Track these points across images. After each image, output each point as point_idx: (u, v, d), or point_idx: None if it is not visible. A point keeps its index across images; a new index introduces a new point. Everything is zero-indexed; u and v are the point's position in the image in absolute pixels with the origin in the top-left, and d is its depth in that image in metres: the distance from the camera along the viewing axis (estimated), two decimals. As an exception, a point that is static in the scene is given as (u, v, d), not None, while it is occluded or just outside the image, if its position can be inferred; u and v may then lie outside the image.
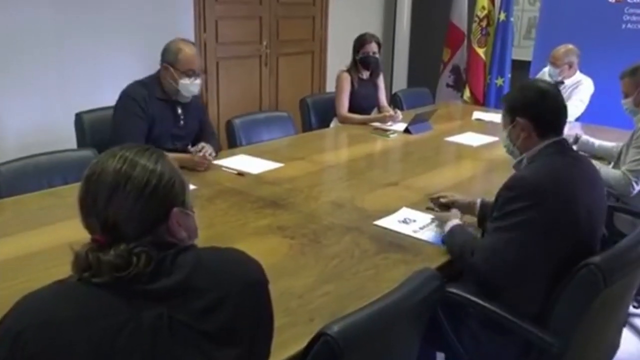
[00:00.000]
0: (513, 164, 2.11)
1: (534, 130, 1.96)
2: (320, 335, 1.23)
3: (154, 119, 2.87)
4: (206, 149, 2.89)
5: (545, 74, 4.39)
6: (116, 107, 2.90)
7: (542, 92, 1.97)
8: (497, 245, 1.84)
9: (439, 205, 2.32)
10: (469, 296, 1.87)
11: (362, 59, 4.10)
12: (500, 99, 2.22)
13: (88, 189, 1.10)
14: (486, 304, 1.85)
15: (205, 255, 1.15)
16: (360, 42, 4.09)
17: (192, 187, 2.57)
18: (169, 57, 2.86)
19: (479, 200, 2.26)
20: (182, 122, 2.99)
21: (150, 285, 1.06)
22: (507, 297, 1.84)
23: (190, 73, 2.85)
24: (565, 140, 1.98)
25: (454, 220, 2.11)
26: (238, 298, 1.10)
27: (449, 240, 2.04)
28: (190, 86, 2.88)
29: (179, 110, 2.98)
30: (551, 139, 1.95)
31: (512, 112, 2.01)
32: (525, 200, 1.80)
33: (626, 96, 3.02)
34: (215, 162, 2.95)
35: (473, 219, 2.26)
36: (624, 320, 2.16)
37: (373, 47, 4.09)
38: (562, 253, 1.80)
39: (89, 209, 1.09)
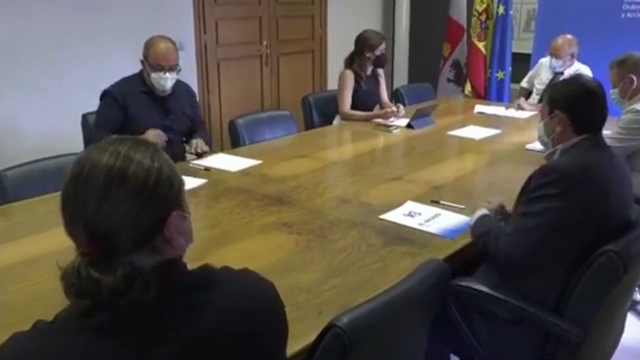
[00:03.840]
0: (545, 155, 2.10)
1: (570, 126, 1.95)
2: (330, 327, 1.24)
3: (137, 112, 3.00)
4: (198, 144, 3.06)
5: (543, 65, 4.39)
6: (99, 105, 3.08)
7: (586, 90, 1.96)
8: (524, 230, 1.82)
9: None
10: (481, 288, 1.86)
11: (378, 58, 4.12)
12: (544, 89, 2.21)
13: (75, 190, 0.93)
14: (501, 296, 1.84)
15: (220, 284, 1.01)
16: (375, 43, 4.08)
17: (203, 181, 2.61)
18: (144, 50, 3.00)
19: None
20: (172, 115, 3.09)
21: (160, 322, 0.93)
22: (527, 286, 1.83)
23: (158, 68, 2.96)
24: (600, 136, 1.96)
25: (482, 209, 2.11)
26: (256, 333, 1.02)
27: (474, 229, 2.03)
28: (160, 80, 2.98)
29: (167, 103, 3.08)
30: (589, 134, 1.93)
31: (553, 103, 2.01)
32: (557, 188, 1.79)
33: (614, 86, 3.03)
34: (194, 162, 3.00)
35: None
36: (629, 305, 2.17)
37: (384, 45, 4.14)
38: (589, 243, 1.77)
39: (76, 213, 0.93)
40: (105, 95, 3.04)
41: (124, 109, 2.99)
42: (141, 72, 3.05)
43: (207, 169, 2.86)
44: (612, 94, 3.04)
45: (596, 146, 1.94)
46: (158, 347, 0.91)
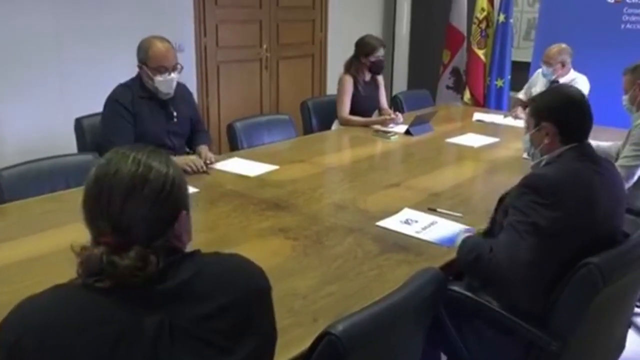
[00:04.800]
0: (531, 165, 2.09)
1: (557, 136, 1.95)
2: (324, 334, 1.23)
3: (143, 119, 2.89)
4: (207, 155, 2.92)
5: (539, 74, 4.41)
6: (103, 113, 2.92)
7: (570, 99, 1.97)
8: (516, 239, 1.80)
9: None
10: (471, 295, 1.87)
11: (374, 64, 4.12)
12: (527, 101, 2.23)
13: (101, 190, 1.07)
14: (486, 302, 1.85)
15: (208, 262, 1.14)
16: (371, 48, 4.08)
17: (193, 189, 2.60)
18: (141, 55, 2.86)
19: None
20: (175, 119, 2.99)
21: (152, 291, 1.05)
22: (513, 295, 1.83)
23: (162, 70, 2.83)
24: (588, 145, 1.96)
25: (465, 233, 2.09)
26: (240, 305, 1.10)
27: (462, 249, 1.99)
28: (165, 82, 2.86)
29: (170, 107, 2.98)
30: (576, 143, 1.93)
31: (539, 115, 2.00)
32: (544, 198, 1.79)
33: (625, 92, 3.05)
34: (212, 166, 2.95)
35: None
36: (629, 321, 2.16)
37: (382, 52, 4.13)
38: (576, 253, 1.77)
39: (101, 210, 1.06)
40: (112, 105, 2.87)
41: (134, 117, 2.87)
42: (138, 77, 2.93)
43: (204, 171, 2.85)
44: (623, 100, 3.06)
45: (583, 155, 1.93)
46: (151, 313, 1.03)
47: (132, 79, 2.95)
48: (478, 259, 1.89)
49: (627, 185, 2.78)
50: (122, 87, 2.93)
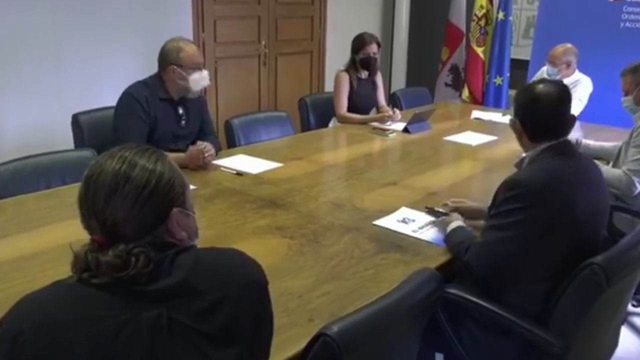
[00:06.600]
0: (515, 163, 2.10)
1: (524, 133, 1.97)
2: (319, 335, 1.23)
3: (156, 119, 2.86)
4: (206, 146, 2.86)
5: (544, 72, 4.40)
6: (118, 107, 2.87)
7: (534, 97, 1.94)
8: (488, 243, 1.85)
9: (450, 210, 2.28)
10: (469, 296, 1.86)
11: (362, 60, 4.10)
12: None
13: (87, 190, 1.09)
14: (486, 304, 1.85)
15: (205, 256, 1.15)
16: (361, 43, 4.08)
17: (191, 187, 2.58)
18: (172, 57, 2.84)
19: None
20: (183, 122, 2.98)
21: (150, 286, 1.05)
22: (507, 297, 1.84)
23: (196, 67, 2.86)
24: (568, 142, 1.96)
25: (456, 222, 2.10)
26: (237, 299, 1.10)
27: (449, 240, 2.04)
28: (201, 80, 2.88)
29: (181, 111, 2.96)
30: (549, 142, 1.93)
31: (514, 112, 2.04)
32: (521, 201, 1.80)
33: (626, 94, 3.02)
34: (214, 162, 2.94)
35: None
36: (623, 319, 2.16)
37: (373, 48, 4.09)
38: (561, 254, 1.80)
39: (89, 209, 1.09)
40: (128, 100, 2.82)
41: (149, 115, 2.82)
42: (158, 77, 2.89)
43: (239, 173, 2.82)
44: (625, 101, 3.03)
45: (562, 154, 1.92)
46: (149, 308, 1.04)
47: (151, 78, 2.91)
48: (458, 255, 1.93)
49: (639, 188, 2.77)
50: (140, 84, 2.89)
